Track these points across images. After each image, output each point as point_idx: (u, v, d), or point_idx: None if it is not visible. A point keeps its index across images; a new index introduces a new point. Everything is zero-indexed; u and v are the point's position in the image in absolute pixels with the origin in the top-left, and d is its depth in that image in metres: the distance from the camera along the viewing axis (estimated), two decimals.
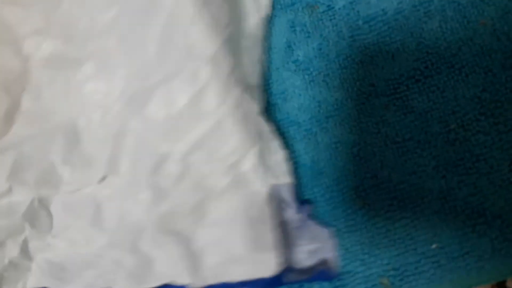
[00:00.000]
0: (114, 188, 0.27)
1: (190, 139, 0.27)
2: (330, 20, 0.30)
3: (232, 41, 0.28)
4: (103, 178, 0.28)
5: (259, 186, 0.26)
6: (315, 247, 0.26)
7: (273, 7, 0.31)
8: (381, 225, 0.25)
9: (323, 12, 0.30)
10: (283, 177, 0.27)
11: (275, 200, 0.26)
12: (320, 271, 0.25)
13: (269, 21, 0.31)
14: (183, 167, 0.27)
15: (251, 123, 0.27)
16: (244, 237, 0.26)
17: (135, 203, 0.27)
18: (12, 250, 0.28)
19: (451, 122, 0.26)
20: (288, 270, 0.25)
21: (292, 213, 0.26)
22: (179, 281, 0.27)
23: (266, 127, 0.28)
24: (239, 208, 0.26)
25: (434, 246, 0.24)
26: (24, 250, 0.28)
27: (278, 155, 0.27)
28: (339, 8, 0.30)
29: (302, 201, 0.27)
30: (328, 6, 0.30)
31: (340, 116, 0.28)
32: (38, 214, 0.28)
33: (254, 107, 0.28)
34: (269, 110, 0.29)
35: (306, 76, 0.29)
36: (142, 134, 0.27)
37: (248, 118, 0.27)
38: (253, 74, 0.29)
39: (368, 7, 0.29)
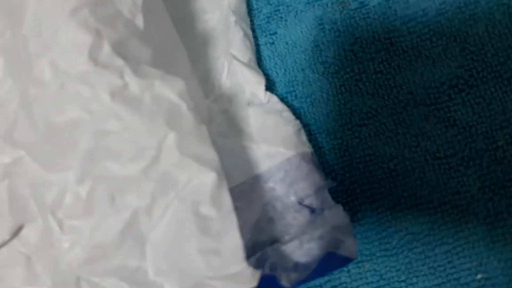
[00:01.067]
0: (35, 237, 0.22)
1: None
2: (364, 18, 0.27)
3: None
4: (18, 230, 0.22)
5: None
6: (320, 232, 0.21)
7: (299, 0, 0.29)
8: (419, 250, 0.23)
9: (356, 9, 0.28)
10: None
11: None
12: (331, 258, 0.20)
13: (295, 16, 0.29)
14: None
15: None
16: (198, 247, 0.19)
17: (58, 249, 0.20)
18: None
19: (498, 138, 0.24)
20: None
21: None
22: None
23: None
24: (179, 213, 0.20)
25: (479, 276, 0.22)
26: None
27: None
28: (374, 6, 0.27)
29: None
30: (361, 3, 0.28)
31: (375, 125, 0.25)
32: None
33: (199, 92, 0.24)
34: (296, 115, 0.26)
35: (336, 80, 0.27)
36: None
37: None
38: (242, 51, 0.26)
39: (406, 7, 0.27)
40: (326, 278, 0.23)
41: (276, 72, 0.28)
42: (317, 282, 0.23)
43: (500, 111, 0.24)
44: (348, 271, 0.23)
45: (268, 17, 0.29)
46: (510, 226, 0.23)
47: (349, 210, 0.24)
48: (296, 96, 0.27)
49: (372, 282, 0.23)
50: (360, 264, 0.23)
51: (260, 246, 0.22)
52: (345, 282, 0.23)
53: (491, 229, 0.23)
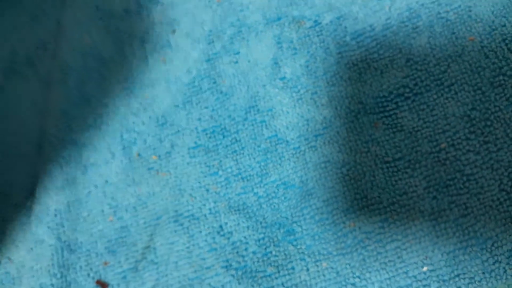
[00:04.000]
0: None
1: None
2: (317, 36, 0.30)
3: None
4: None
5: None
6: None
7: (259, 21, 0.31)
8: (372, 247, 0.26)
9: (310, 27, 0.30)
10: None
11: None
12: None
13: (256, 36, 0.31)
14: None
15: None
16: None
17: None
18: None
19: (441, 141, 0.27)
20: None
21: None
22: None
23: None
24: None
25: (425, 268, 0.25)
26: None
27: None
28: (326, 24, 0.30)
29: None
30: (315, 21, 0.30)
31: (329, 134, 0.28)
32: None
33: None
34: (257, 128, 0.29)
35: (294, 94, 0.29)
36: None
37: None
38: None
39: (355, 23, 0.30)
40: (287, 277, 0.26)
41: (240, 88, 0.31)
42: (279, 281, 0.26)
43: (442, 116, 0.27)
44: (308, 269, 0.26)
45: (232, 38, 0.32)
46: (452, 222, 0.25)
47: (307, 213, 0.27)
48: (258, 110, 0.30)
49: (330, 279, 0.26)
50: (318, 263, 0.26)
51: None
52: (305, 280, 0.26)
53: (435, 225, 0.25)
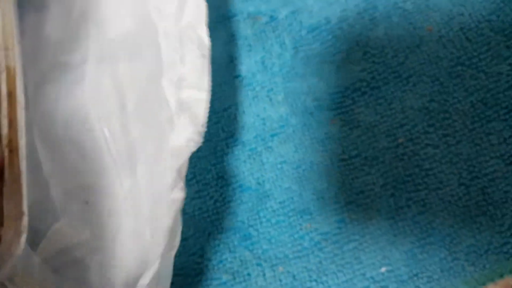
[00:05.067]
0: None
1: None
2: (273, 31, 0.30)
3: None
4: None
5: None
6: None
7: (213, 19, 0.31)
8: (329, 249, 0.25)
9: (265, 23, 0.30)
10: None
11: None
12: None
13: (211, 34, 0.31)
14: None
15: None
16: None
17: None
18: None
19: (399, 135, 0.26)
20: None
21: None
22: None
23: None
24: None
25: (383, 269, 0.24)
26: None
27: None
28: (282, 19, 0.30)
29: None
30: (271, 16, 0.30)
31: (285, 133, 0.27)
32: None
33: None
34: (213, 129, 0.28)
35: (250, 92, 0.29)
36: None
37: None
38: None
39: (310, 16, 0.29)
40: (244, 283, 0.25)
41: None
42: (235, 287, 0.25)
43: (400, 110, 0.26)
44: (264, 275, 0.25)
45: None
46: (409, 219, 0.24)
47: (263, 216, 0.26)
48: (214, 111, 0.29)
49: (286, 284, 0.25)
50: (274, 268, 0.25)
51: None
52: (261, 286, 0.25)
53: (392, 224, 0.25)
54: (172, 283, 0.26)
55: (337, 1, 0.29)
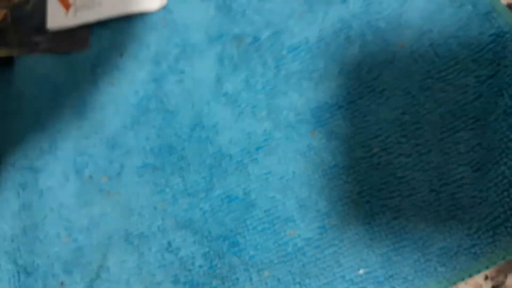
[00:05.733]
0: None
1: None
2: (256, 51, 0.32)
3: None
4: None
5: None
6: None
7: (202, 40, 0.33)
8: (310, 254, 0.27)
9: (250, 43, 0.32)
10: None
11: None
12: None
13: (199, 54, 0.33)
14: None
15: None
16: None
17: None
18: None
19: (374, 146, 0.28)
20: None
21: None
22: None
23: None
24: None
25: (361, 271, 0.26)
26: None
27: None
28: (265, 39, 0.32)
29: None
30: (255, 37, 0.32)
31: (269, 146, 0.29)
32: None
33: None
34: (203, 144, 0.30)
35: (236, 109, 0.31)
36: None
37: None
38: None
39: (291, 36, 0.31)
40: None
41: (185, 106, 0.32)
42: None
43: (374, 122, 0.28)
44: (251, 279, 0.27)
45: (177, 58, 0.33)
46: (384, 224, 0.26)
47: (250, 224, 0.28)
48: (203, 127, 0.31)
49: (272, 287, 0.27)
50: (260, 272, 0.27)
51: None
52: None
53: (368, 229, 0.26)
54: None
55: (315, 21, 0.31)
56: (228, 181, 0.30)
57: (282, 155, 0.29)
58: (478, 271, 0.24)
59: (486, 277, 0.26)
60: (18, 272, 0.31)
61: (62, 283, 0.30)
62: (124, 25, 0.36)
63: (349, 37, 0.30)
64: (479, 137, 0.26)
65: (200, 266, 0.28)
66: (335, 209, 0.27)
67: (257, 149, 0.30)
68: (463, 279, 0.25)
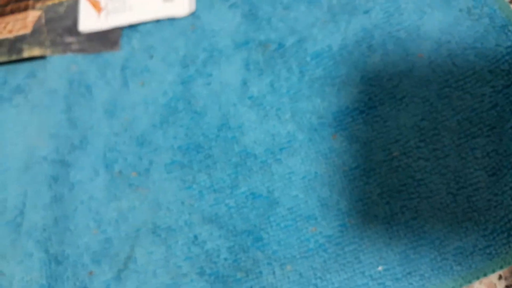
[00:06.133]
0: None
1: None
2: (281, 57, 0.33)
3: None
4: None
5: None
6: None
7: (229, 46, 0.35)
8: (331, 250, 0.28)
9: (274, 50, 0.34)
10: None
11: None
12: None
13: (226, 59, 0.35)
14: None
15: None
16: None
17: None
18: None
19: (393, 150, 0.29)
20: None
21: None
22: None
23: None
24: None
25: (380, 268, 0.27)
26: None
27: None
28: (289, 46, 0.33)
29: None
30: (279, 44, 0.34)
31: (292, 147, 0.31)
32: None
33: None
34: (229, 143, 0.32)
35: (261, 111, 0.33)
36: None
37: None
38: None
39: (315, 44, 0.33)
40: (256, 280, 0.29)
41: (212, 108, 0.34)
42: (248, 284, 0.29)
43: (395, 127, 0.30)
44: (274, 273, 0.29)
45: (204, 62, 0.35)
46: (403, 224, 0.28)
47: (274, 221, 0.30)
48: (229, 128, 0.33)
49: (294, 281, 0.28)
50: (283, 267, 0.29)
51: None
52: (271, 283, 0.28)
53: (388, 228, 0.28)
54: (192, 280, 0.30)
55: (338, 30, 0.33)
56: (252, 179, 0.31)
57: (304, 156, 0.31)
58: (493, 271, 0.26)
59: (500, 277, 0.27)
60: (49, 261, 0.32)
61: (91, 273, 0.32)
62: (153, 28, 0.37)
63: (370, 46, 0.32)
64: (495, 144, 0.28)
65: (225, 259, 0.30)
66: (356, 208, 0.29)
67: (281, 149, 0.31)
68: (478, 278, 0.26)
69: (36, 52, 0.39)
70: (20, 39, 0.40)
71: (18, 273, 0.33)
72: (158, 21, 0.38)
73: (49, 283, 0.32)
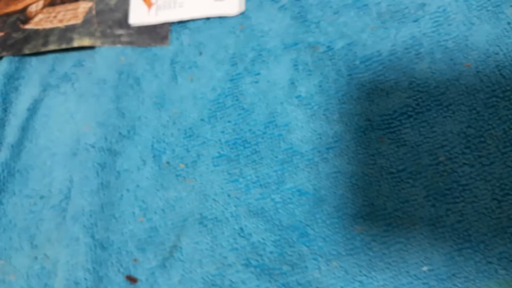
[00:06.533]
0: None
1: None
2: (330, 59, 0.34)
3: None
4: None
5: None
6: None
7: (278, 46, 0.36)
8: (377, 249, 0.29)
9: (323, 52, 0.35)
10: None
11: None
12: None
13: (275, 59, 0.36)
14: None
15: None
16: None
17: None
18: None
19: (440, 154, 0.30)
20: None
21: None
22: None
23: None
24: None
25: (425, 268, 0.28)
26: None
27: None
28: (338, 49, 0.35)
29: None
30: (328, 47, 0.35)
31: (339, 147, 0.32)
32: None
33: None
34: (275, 140, 0.33)
35: (308, 110, 0.34)
36: None
37: None
38: None
39: (364, 48, 0.34)
40: (301, 274, 0.30)
41: (260, 105, 0.35)
42: (293, 278, 0.29)
43: (441, 133, 0.31)
44: (319, 268, 0.29)
45: (253, 61, 0.36)
46: (448, 227, 0.29)
47: (319, 218, 0.30)
48: (276, 125, 0.34)
49: (339, 277, 0.29)
50: (329, 262, 0.29)
51: None
52: (317, 278, 0.29)
53: (433, 230, 0.29)
54: (238, 271, 0.31)
55: (388, 37, 0.34)
56: (299, 176, 0.32)
57: (352, 157, 0.32)
58: None
59: None
60: (95, 246, 0.33)
61: (135, 260, 0.33)
62: (203, 26, 0.39)
63: (419, 53, 0.33)
64: None
65: (271, 252, 0.31)
66: (402, 209, 0.30)
67: (328, 149, 0.32)
68: None
69: (86, 42, 0.40)
70: (71, 28, 0.41)
71: (63, 256, 0.34)
72: (207, 18, 0.39)
73: (94, 267, 0.33)
